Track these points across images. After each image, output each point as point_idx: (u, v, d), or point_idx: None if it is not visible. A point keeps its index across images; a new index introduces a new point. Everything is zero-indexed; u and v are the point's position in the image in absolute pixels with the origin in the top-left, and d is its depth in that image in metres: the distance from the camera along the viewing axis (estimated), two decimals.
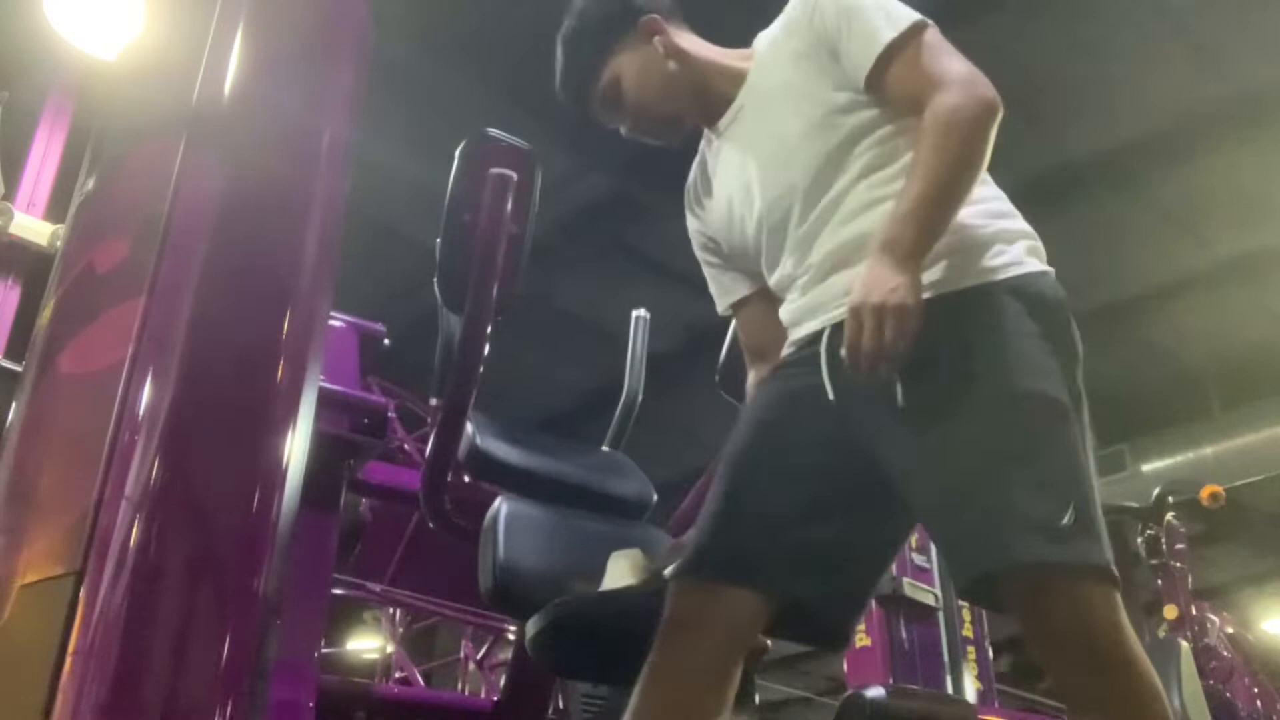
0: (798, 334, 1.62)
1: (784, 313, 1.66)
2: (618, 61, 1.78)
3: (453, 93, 5.34)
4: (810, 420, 1.54)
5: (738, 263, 1.76)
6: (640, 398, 2.42)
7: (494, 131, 1.84)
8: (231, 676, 1.08)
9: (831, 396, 1.51)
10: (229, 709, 1.07)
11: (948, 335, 1.42)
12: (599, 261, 6.25)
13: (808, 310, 1.60)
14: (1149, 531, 3.80)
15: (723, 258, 1.79)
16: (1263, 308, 6.97)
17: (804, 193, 1.61)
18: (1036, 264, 1.60)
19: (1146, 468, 7.52)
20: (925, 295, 1.41)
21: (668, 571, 1.58)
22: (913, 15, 1.60)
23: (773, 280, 1.69)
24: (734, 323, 1.88)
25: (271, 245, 1.30)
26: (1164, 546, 3.74)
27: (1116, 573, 1.41)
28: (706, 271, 1.83)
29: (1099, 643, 1.34)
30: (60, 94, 4.06)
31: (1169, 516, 3.78)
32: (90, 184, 1.39)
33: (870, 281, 1.39)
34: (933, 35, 1.60)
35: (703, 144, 1.83)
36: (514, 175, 1.75)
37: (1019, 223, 1.64)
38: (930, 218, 1.44)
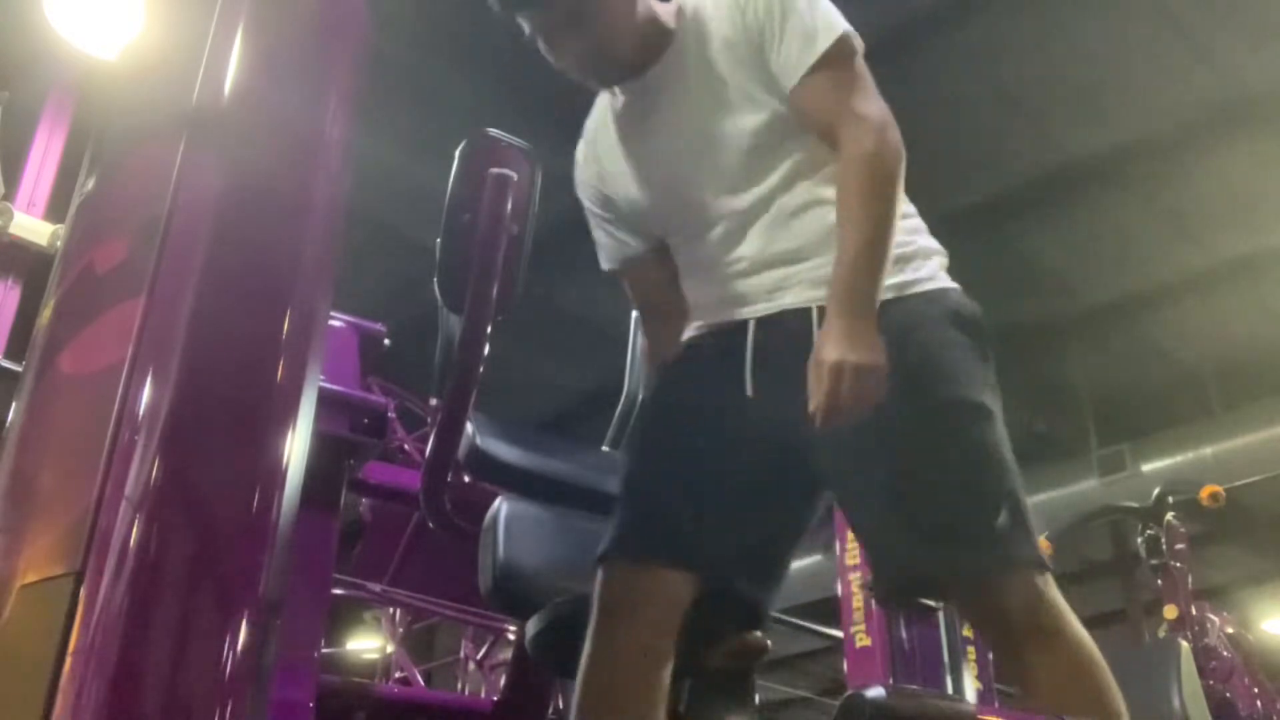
0: (713, 319, 1.66)
1: (695, 290, 1.69)
2: None
3: (453, 93, 5.34)
4: (724, 406, 1.58)
5: (632, 221, 1.77)
6: (640, 397, 2.42)
7: (494, 131, 1.84)
8: (231, 676, 1.08)
9: (750, 392, 1.56)
10: (229, 709, 1.07)
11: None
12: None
13: (731, 299, 1.62)
14: (1149, 531, 3.80)
15: (616, 214, 1.79)
16: (1263, 308, 6.97)
17: (730, 180, 1.63)
18: (949, 280, 1.65)
19: (1146, 468, 7.53)
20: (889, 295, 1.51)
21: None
22: (842, 23, 1.60)
23: (682, 254, 1.72)
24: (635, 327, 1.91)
25: (271, 245, 1.30)
26: (1164, 546, 3.74)
27: (1045, 559, 1.50)
28: (595, 224, 1.82)
29: (1040, 624, 1.42)
30: (60, 94, 4.06)
31: (1169, 516, 3.78)
32: (90, 184, 1.39)
33: (844, 339, 1.41)
34: (857, 57, 1.60)
35: (609, 95, 1.77)
36: (514, 175, 1.75)
37: (932, 240, 1.68)
38: (876, 267, 1.47)
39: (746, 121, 1.61)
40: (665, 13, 1.69)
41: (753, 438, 1.57)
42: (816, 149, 1.61)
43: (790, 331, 1.54)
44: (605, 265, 1.81)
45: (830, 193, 1.56)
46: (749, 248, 1.61)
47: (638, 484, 1.65)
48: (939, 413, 1.50)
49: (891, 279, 1.53)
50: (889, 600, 1.81)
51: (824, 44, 1.57)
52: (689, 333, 1.71)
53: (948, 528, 1.43)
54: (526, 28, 1.65)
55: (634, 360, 2.44)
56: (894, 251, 1.53)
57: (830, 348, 1.41)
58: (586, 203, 1.81)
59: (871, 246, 1.47)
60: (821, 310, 1.49)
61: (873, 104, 1.57)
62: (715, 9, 1.67)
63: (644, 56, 1.67)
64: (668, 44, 1.68)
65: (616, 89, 1.74)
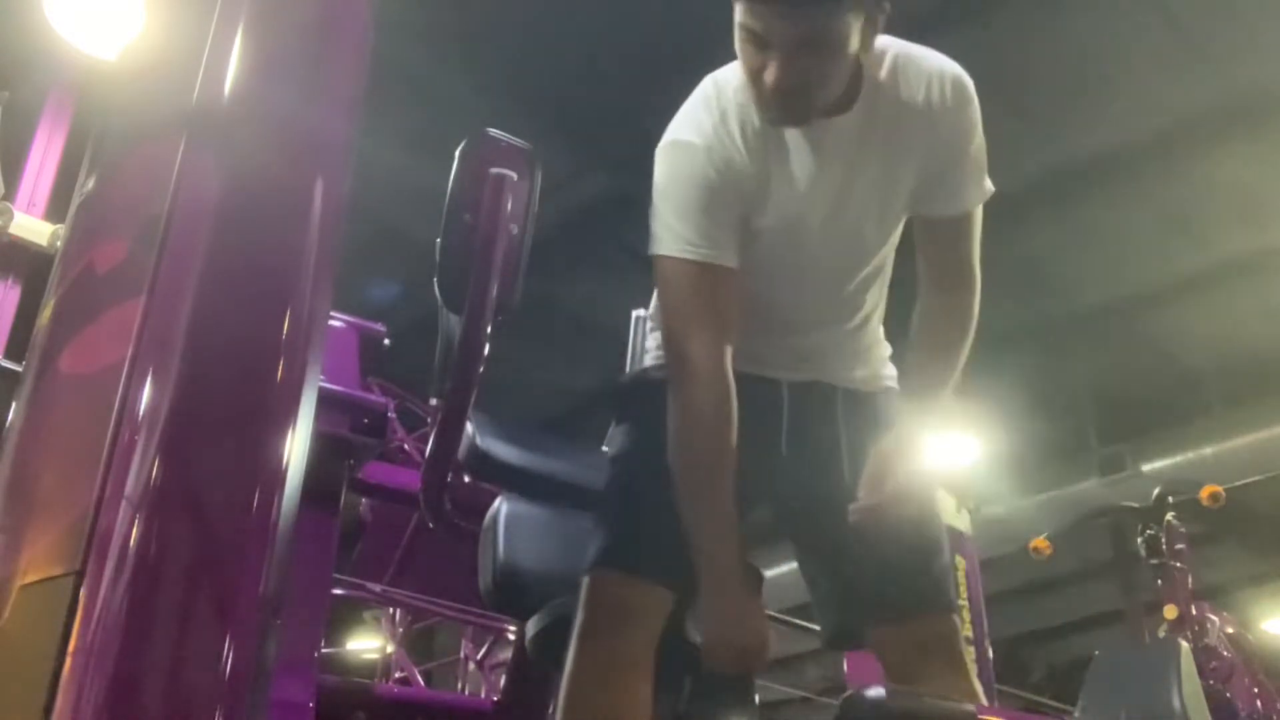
0: (756, 369, 1.72)
1: (757, 338, 1.72)
2: (853, 21, 1.48)
3: (453, 93, 5.34)
4: (761, 450, 1.69)
5: (736, 236, 1.65)
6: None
7: (494, 131, 1.83)
8: (231, 676, 1.08)
9: (784, 451, 1.73)
10: (229, 709, 1.07)
11: (887, 421, 1.72)
12: (599, 261, 6.25)
13: (779, 360, 1.76)
14: (1149, 531, 3.79)
15: (732, 221, 1.63)
16: (1263, 308, 6.96)
17: (847, 275, 1.73)
18: None
19: (1146, 468, 7.53)
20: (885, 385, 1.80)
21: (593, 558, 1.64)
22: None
23: (766, 298, 1.72)
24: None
25: (271, 245, 1.30)
26: (1164, 546, 3.74)
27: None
28: (703, 215, 1.61)
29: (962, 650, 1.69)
30: (60, 94, 4.05)
31: (1169, 516, 3.78)
32: (90, 184, 1.39)
33: (918, 475, 1.63)
34: None
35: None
36: (514, 175, 1.75)
37: None
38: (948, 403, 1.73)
39: (884, 233, 1.72)
40: (871, 63, 1.60)
41: (777, 479, 1.73)
42: (884, 288, 1.81)
43: (817, 396, 1.76)
44: (700, 255, 1.60)
45: (877, 324, 1.83)
46: (817, 335, 1.77)
47: (634, 500, 1.67)
48: (930, 481, 1.75)
49: (890, 371, 1.83)
50: (840, 643, 1.91)
51: (989, 187, 1.70)
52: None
53: (946, 576, 1.70)
54: (759, 27, 1.47)
55: (634, 360, 2.43)
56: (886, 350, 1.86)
57: (907, 468, 1.61)
58: (705, 192, 1.61)
59: (955, 378, 1.71)
60: (845, 392, 1.77)
61: (978, 263, 1.76)
62: (911, 83, 1.61)
63: (841, 101, 1.60)
64: (858, 94, 1.60)
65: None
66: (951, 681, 1.58)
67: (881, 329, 1.85)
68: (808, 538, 1.76)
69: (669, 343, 1.66)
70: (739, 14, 1.49)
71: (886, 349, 1.86)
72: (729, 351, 1.61)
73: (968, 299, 1.72)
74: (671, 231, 1.63)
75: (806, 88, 1.51)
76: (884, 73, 1.62)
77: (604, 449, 1.85)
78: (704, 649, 1.58)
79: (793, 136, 1.62)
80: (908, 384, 1.74)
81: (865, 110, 1.60)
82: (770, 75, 1.48)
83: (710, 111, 1.65)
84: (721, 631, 1.57)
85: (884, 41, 1.62)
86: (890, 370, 1.84)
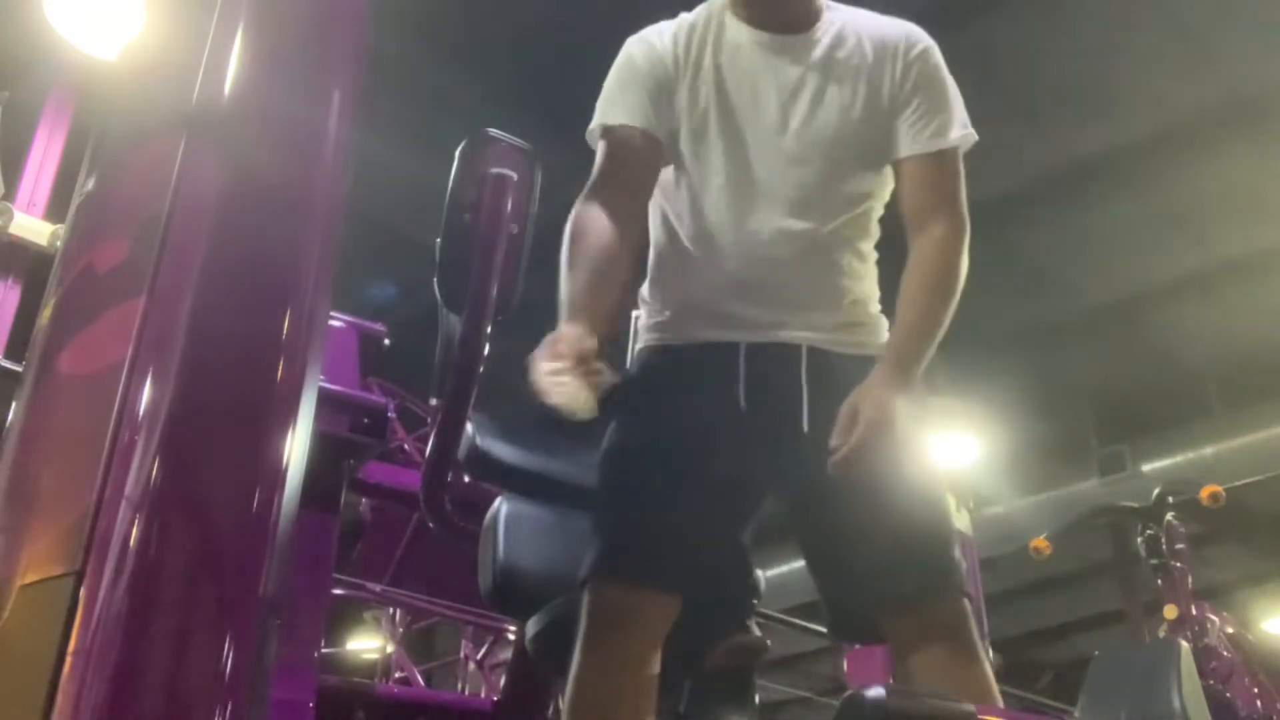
0: (700, 333, 1.66)
1: (694, 284, 1.68)
2: None
3: (453, 93, 5.34)
4: (714, 426, 1.62)
5: (664, 116, 1.68)
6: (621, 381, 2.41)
7: (494, 131, 1.83)
8: (231, 676, 1.08)
9: (744, 406, 1.61)
10: (229, 709, 1.07)
11: None
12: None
13: (729, 320, 1.65)
14: (1149, 531, 3.79)
15: (659, 94, 1.68)
16: (1263, 308, 6.97)
17: (804, 194, 1.66)
18: None
19: (1146, 468, 7.53)
20: (871, 353, 1.63)
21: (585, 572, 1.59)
22: (970, 126, 1.70)
23: (691, 217, 1.68)
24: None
25: (271, 245, 1.30)
26: (1164, 546, 3.73)
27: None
28: (620, 90, 1.69)
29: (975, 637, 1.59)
30: (60, 94, 4.06)
31: (1169, 516, 3.77)
32: (90, 184, 1.39)
33: (890, 405, 1.50)
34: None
35: (733, 18, 1.71)
36: (514, 175, 1.75)
37: None
38: (931, 344, 1.60)
39: (851, 154, 1.68)
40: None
41: (738, 459, 1.62)
42: (869, 222, 1.72)
43: (780, 361, 1.63)
44: (617, 118, 1.67)
45: (855, 265, 1.69)
46: (771, 270, 1.65)
47: (627, 502, 1.64)
48: (921, 461, 1.64)
49: (880, 338, 1.70)
50: (848, 632, 1.85)
51: (958, 133, 1.67)
52: (665, 335, 1.70)
53: (949, 551, 1.60)
54: None
55: (632, 358, 2.43)
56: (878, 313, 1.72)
57: (881, 406, 1.49)
58: (634, 62, 1.70)
59: (937, 325, 1.60)
60: (810, 350, 1.62)
61: (963, 196, 1.68)
62: (871, 19, 1.72)
63: (801, 20, 1.70)
64: (818, 18, 1.71)
65: (758, 30, 1.69)
66: (965, 668, 1.54)
67: (869, 286, 1.74)
68: (812, 526, 1.69)
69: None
70: None
71: (873, 306, 1.74)
72: (624, 203, 1.64)
73: (953, 241, 1.64)
74: (597, 110, 1.71)
75: None
76: (841, 14, 1.74)
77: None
78: (860, 423, 1.48)
79: (748, 44, 1.69)
80: (890, 337, 1.65)
81: (822, 31, 1.70)
82: None
83: (671, 22, 1.75)
84: (890, 407, 1.49)
85: (842, 4, 1.75)
86: (874, 336, 1.71)
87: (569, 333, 1.45)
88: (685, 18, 1.74)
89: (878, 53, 1.69)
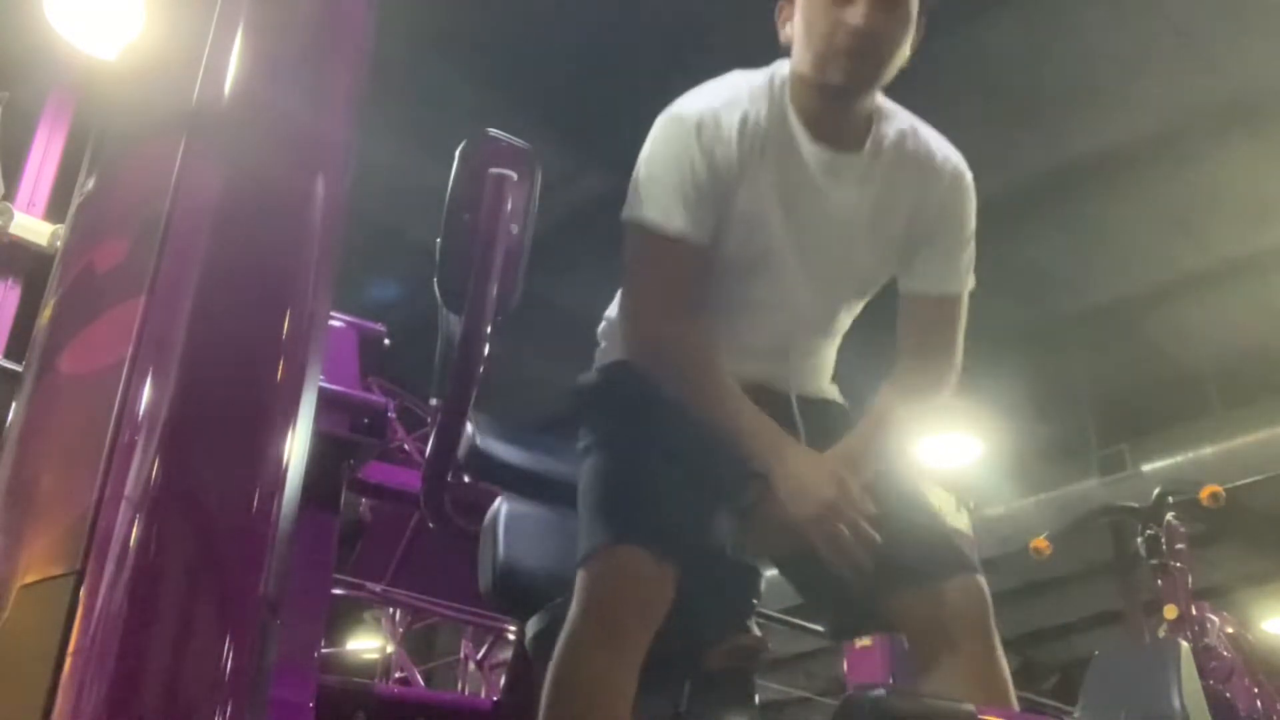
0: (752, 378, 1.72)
1: (742, 333, 1.75)
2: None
3: (453, 93, 5.34)
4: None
5: (709, 217, 1.67)
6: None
7: (494, 131, 1.83)
8: (231, 676, 1.08)
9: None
10: (229, 709, 1.07)
11: (843, 426, 1.76)
12: (599, 261, 6.25)
13: (780, 374, 1.78)
14: (1149, 531, 3.79)
15: (705, 203, 1.65)
16: (1263, 308, 6.97)
17: (826, 325, 1.83)
18: None
19: (1146, 468, 7.53)
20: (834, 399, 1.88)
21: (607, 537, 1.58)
22: None
23: (736, 292, 1.73)
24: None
25: (271, 245, 1.30)
26: (1164, 546, 3.73)
27: None
28: (679, 188, 1.64)
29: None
30: (60, 94, 4.06)
31: (1169, 516, 3.77)
32: (90, 184, 1.39)
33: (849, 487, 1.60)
34: None
35: (796, 121, 1.68)
36: (514, 175, 1.75)
37: None
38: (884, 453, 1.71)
39: (881, 276, 1.79)
40: (883, 114, 1.72)
41: (737, 464, 1.66)
42: (850, 320, 1.86)
43: (771, 396, 1.74)
44: (676, 227, 1.63)
45: (834, 348, 1.88)
46: (772, 359, 1.78)
47: (634, 487, 1.64)
48: (909, 467, 1.81)
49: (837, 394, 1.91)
50: (850, 628, 1.86)
51: (971, 282, 1.78)
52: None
53: (936, 538, 1.66)
54: None
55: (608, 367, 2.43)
56: None
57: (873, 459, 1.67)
58: (695, 168, 1.63)
59: (896, 442, 1.71)
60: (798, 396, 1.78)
61: (960, 352, 1.78)
62: (920, 145, 1.72)
63: (854, 138, 1.68)
64: (871, 130, 1.69)
65: (813, 140, 1.67)
66: (982, 656, 1.52)
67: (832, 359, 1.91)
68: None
69: (635, 307, 1.68)
70: None
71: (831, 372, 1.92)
72: (686, 315, 1.67)
73: (945, 379, 1.75)
74: (648, 198, 1.66)
75: (879, 46, 1.59)
76: (895, 127, 1.71)
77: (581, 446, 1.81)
78: (795, 518, 1.53)
79: (810, 161, 1.66)
80: (871, 407, 1.74)
81: (873, 153, 1.68)
82: (856, 16, 1.55)
83: (718, 94, 1.69)
84: (802, 487, 1.52)
85: (896, 107, 1.74)
86: (836, 392, 1.89)
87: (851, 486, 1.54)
88: (747, 101, 1.67)
89: (924, 177, 1.72)
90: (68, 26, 3.56)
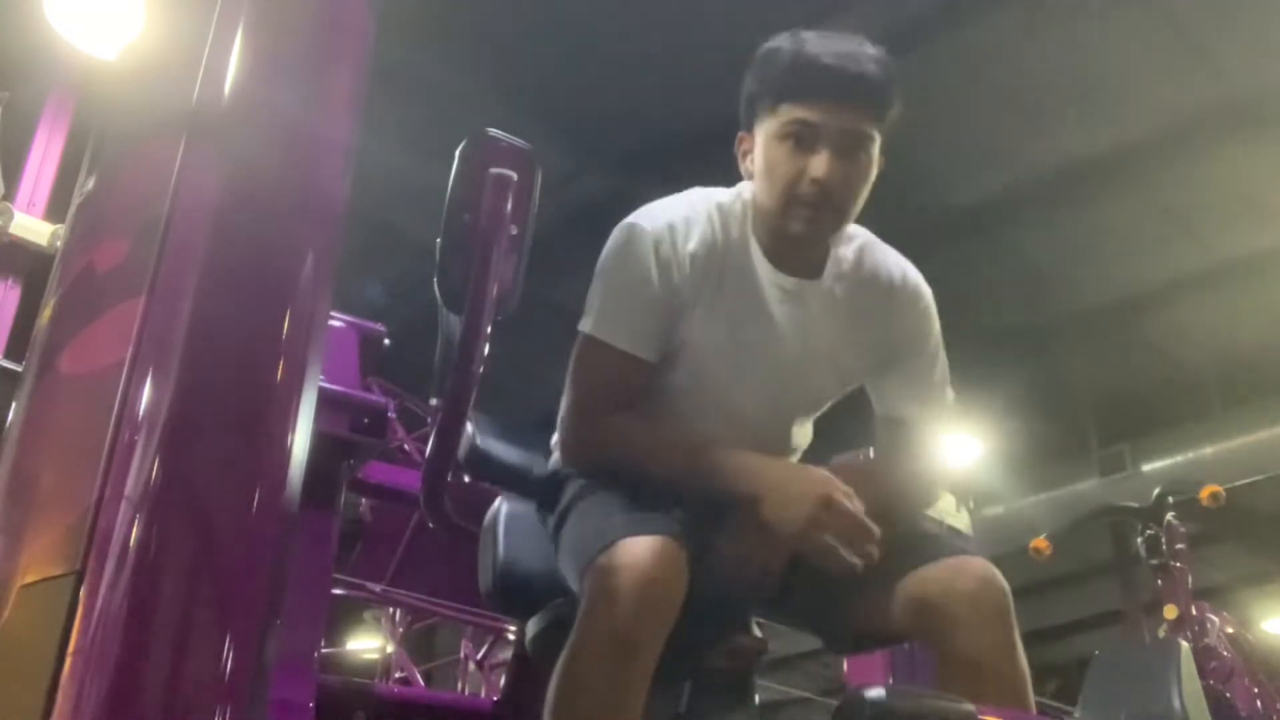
0: None
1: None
2: (879, 139, 1.61)
3: (453, 93, 5.34)
4: None
5: (667, 340, 1.68)
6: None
7: (494, 131, 1.83)
8: (231, 676, 1.08)
9: None
10: (229, 709, 1.07)
11: None
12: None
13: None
14: (1149, 531, 3.78)
15: (668, 324, 1.66)
16: (1263, 308, 6.97)
17: (784, 436, 1.79)
18: None
19: (1146, 468, 7.53)
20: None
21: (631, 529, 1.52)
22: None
23: (692, 398, 1.71)
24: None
25: (271, 245, 1.30)
26: (1164, 546, 3.73)
27: None
28: (636, 308, 1.65)
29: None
30: (60, 94, 4.06)
31: (1169, 516, 3.77)
32: (90, 184, 1.39)
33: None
34: None
35: (756, 247, 1.69)
36: (514, 175, 1.75)
37: None
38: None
39: (838, 391, 1.79)
40: (839, 241, 1.72)
41: None
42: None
43: None
44: (636, 349, 1.64)
45: None
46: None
47: (637, 493, 1.61)
48: None
49: None
50: (854, 641, 1.82)
51: (950, 398, 1.78)
52: None
53: (929, 531, 1.73)
54: (815, 118, 1.56)
55: None
56: None
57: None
58: (651, 289, 1.64)
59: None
60: None
61: (942, 458, 1.85)
62: (878, 267, 1.72)
63: (812, 266, 1.69)
64: (830, 255, 1.70)
65: (774, 268, 1.68)
66: (1001, 642, 1.46)
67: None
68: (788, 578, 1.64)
69: (574, 414, 1.67)
70: (789, 112, 1.57)
71: None
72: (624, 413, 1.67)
73: (922, 490, 1.81)
74: (600, 312, 1.67)
75: (842, 198, 1.59)
76: (852, 251, 1.72)
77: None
78: (788, 525, 1.48)
79: (752, 279, 1.67)
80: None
81: (833, 278, 1.70)
82: (819, 168, 1.55)
83: (678, 211, 1.69)
84: (788, 497, 1.48)
85: (854, 228, 1.73)
86: None
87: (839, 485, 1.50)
88: (705, 222, 1.67)
89: (884, 301, 1.72)
90: (68, 26, 3.56)
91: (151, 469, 1.11)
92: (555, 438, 1.80)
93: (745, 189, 1.71)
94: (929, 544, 1.57)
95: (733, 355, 1.68)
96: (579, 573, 1.54)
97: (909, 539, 1.58)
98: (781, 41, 1.62)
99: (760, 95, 1.62)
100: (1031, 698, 1.48)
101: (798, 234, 1.62)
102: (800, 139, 1.57)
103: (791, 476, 1.54)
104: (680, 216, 1.67)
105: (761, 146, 1.63)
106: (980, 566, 1.53)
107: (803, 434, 1.85)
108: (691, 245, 1.65)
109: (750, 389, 1.71)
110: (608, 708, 1.42)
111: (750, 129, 1.66)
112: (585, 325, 1.69)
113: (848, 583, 1.54)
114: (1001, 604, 1.50)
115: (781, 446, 1.79)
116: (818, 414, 1.84)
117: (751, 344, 1.68)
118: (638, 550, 1.45)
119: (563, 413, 1.73)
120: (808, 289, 1.68)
